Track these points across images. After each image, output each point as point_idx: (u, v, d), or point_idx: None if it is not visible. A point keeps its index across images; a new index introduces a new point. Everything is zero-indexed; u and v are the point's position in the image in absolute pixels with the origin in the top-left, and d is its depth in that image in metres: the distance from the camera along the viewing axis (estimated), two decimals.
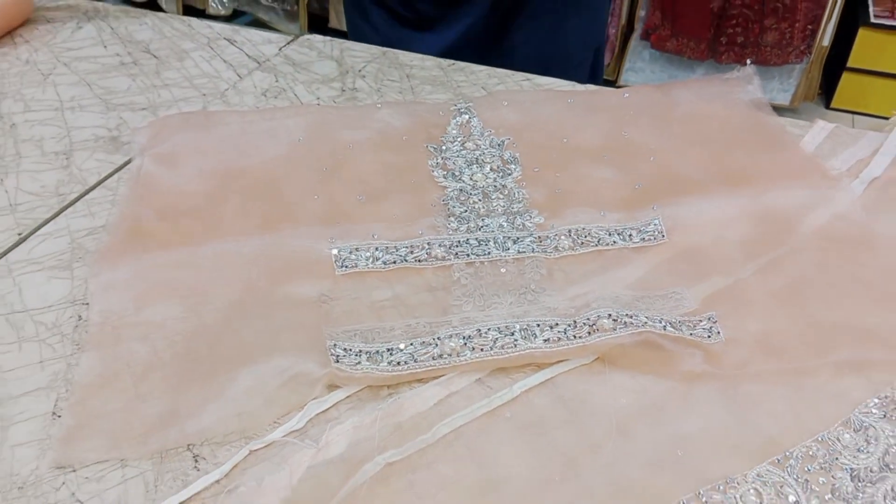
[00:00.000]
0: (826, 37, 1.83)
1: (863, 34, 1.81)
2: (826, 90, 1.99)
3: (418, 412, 0.45)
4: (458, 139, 0.68)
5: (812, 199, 0.60)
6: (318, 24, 2.17)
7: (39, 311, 0.53)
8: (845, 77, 1.89)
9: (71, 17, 0.96)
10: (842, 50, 1.88)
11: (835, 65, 1.92)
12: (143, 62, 0.86)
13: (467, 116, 0.70)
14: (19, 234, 0.60)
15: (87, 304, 0.53)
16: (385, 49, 0.86)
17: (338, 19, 2.10)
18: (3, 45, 0.89)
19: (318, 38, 0.90)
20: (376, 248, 0.56)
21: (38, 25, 0.94)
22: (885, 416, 0.45)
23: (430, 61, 0.84)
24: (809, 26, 1.80)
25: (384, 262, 0.56)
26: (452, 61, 0.83)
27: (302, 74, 0.82)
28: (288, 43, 0.89)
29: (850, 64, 1.87)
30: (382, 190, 0.63)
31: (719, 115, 0.70)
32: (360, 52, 0.86)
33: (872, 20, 1.80)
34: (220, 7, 2.17)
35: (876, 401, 0.46)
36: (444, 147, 0.67)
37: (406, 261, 0.56)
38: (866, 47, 1.83)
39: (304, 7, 2.04)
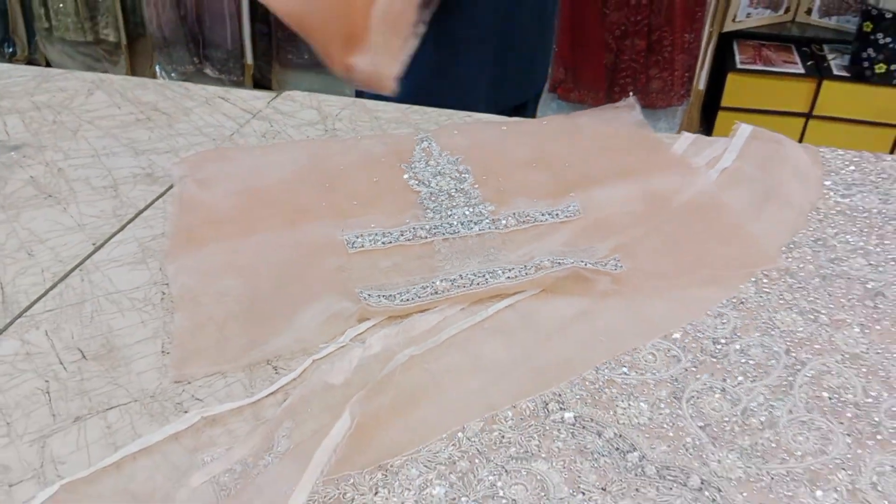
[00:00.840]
0: (701, 82, 2.18)
1: (731, 78, 2.17)
2: (706, 127, 2.34)
3: (426, 328, 0.66)
4: (423, 159, 0.90)
5: (681, 183, 0.85)
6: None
7: (130, 290, 0.71)
8: (720, 115, 2.24)
9: (81, 86, 1.14)
10: (716, 92, 2.24)
11: (711, 105, 2.27)
12: (155, 118, 1.05)
13: (427, 143, 0.93)
14: (94, 244, 0.78)
15: (167, 284, 0.71)
16: (354, 99, 1.09)
17: (279, 87, 2.33)
18: (28, 109, 1.06)
19: (297, 94, 1.12)
20: (376, 234, 0.77)
21: (54, 94, 1.11)
22: (732, 307, 0.69)
23: (391, 106, 1.07)
24: (686, 74, 2.15)
25: (383, 243, 0.76)
26: (411, 106, 1.06)
27: (290, 121, 1.03)
28: (273, 98, 1.10)
29: (723, 104, 2.22)
30: (372, 197, 0.84)
31: (613, 132, 0.95)
32: (335, 102, 1.08)
33: (738, 66, 2.17)
34: (167, 79, 2.35)
35: (724, 300, 0.70)
36: (413, 165, 0.89)
37: (399, 240, 0.77)
38: (735, 89, 2.19)
39: (250, 77, 2.26)
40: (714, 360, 0.63)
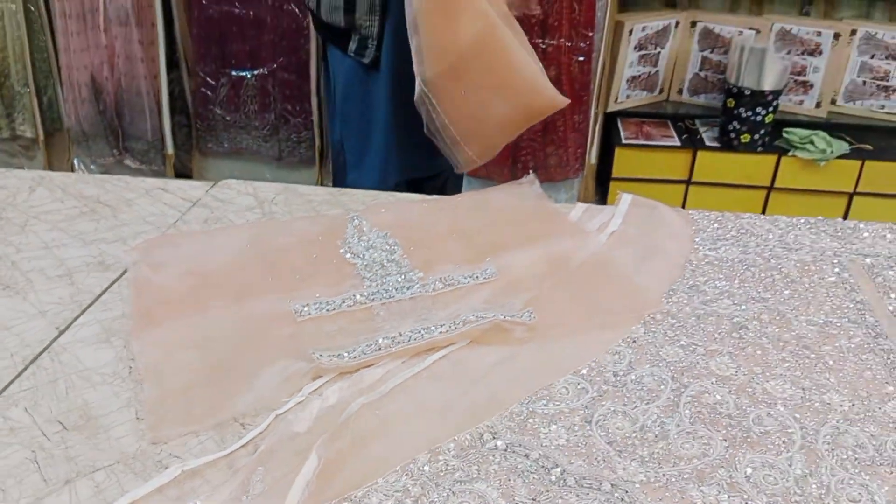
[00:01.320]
0: (592, 157, 2.42)
1: (619, 152, 2.42)
2: (600, 195, 2.58)
3: (373, 380, 0.76)
4: (356, 235, 1.02)
5: (578, 246, 1.00)
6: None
7: (99, 367, 0.78)
8: (612, 184, 2.47)
9: (22, 184, 1.20)
10: (608, 164, 2.48)
11: (604, 175, 2.51)
12: (100, 210, 1.12)
13: (358, 221, 1.05)
14: (58, 328, 0.85)
15: (132, 359, 0.79)
16: (287, 185, 1.20)
17: (200, 174, 2.41)
18: None
19: (233, 182, 1.22)
20: (321, 303, 0.88)
21: None
22: (627, 345, 0.82)
23: (322, 190, 1.18)
24: (579, 150, 2.38)
25: (328, 310, 0.87)
26: (340, 189, 1.18)
27: (229, 207, 1.13)
28: (211, 187, 1.20)
29: (614, 175, 2.46)
30: (313, 271, 0.94)
31: (518, 205, 1.10)
32: (269, 188, 1.19)
33: (624, 141, 2.42)
34: (85, 172, 2.38)
35: (620, 340, 0.83)
36: (347, 241, 1.00)
37: (342, 307, 0.87)
38: (623, 161, 2.44)
39: (171, 167, 2.33)
40: (615, 389, 0.76)
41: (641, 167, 2.45)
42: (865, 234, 1.08)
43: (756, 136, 2.31)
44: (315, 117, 2.29)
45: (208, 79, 2.28)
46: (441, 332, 0.81)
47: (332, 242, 1.00)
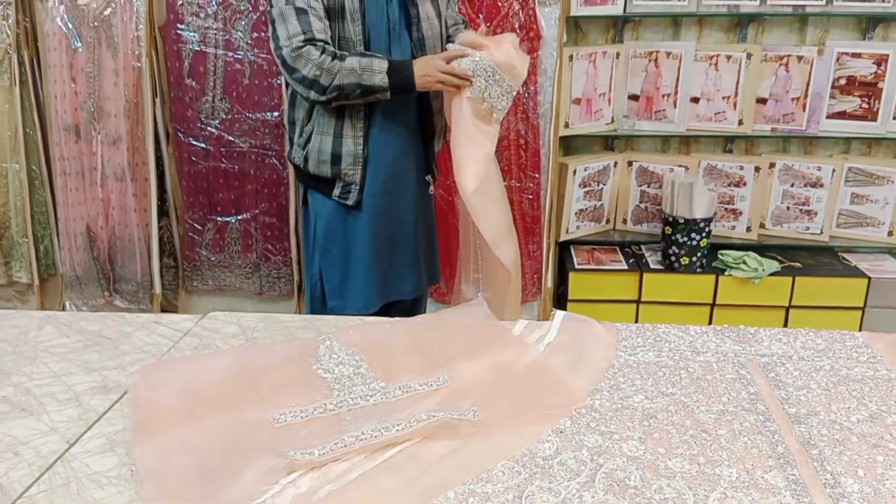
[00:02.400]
0: (548, 280, 2.64)
1: (573, 276, 2.64)
2: None
3: (340, 472, 0.90)
4: (328, 354, 1.18)
5: (518, 355, 1.17)
6: None
7: (105, 471, 0.92)
8: (569, 305, 2.67)
9: (31, 322, 1.36)
10: (565, 287, 2.69)
11: (562, 297, 2.71)
12: (101, 343, 1.28)
13: (329, 342, 1.21)
14: (68, 441, 0.98)
15: (134, 464, 0.93)
16: (267, 314, 1.37)
17: (185, 311, 2.57)
18: None
19: (220, 314, 1.39)
20: (296, 411, 1.03)
21: (8, 330, 1.33)
22: (555, 434, 0.98)
23: (299, 318, 1.36)
24: (535, 275, 2.60)
25: (302, 417, 1.02)
26: (315, 316, 1.35)
27: (216, 335, 1.30)
28: (200, 319, 1.37)
29: (570, 297, 2.67)
30: (290, 385, 1.10)
31: (469, 323, 1.28)
32: (251, 318, 1.36)
33: (577, 266, 2.65)
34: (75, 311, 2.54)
35: (550, 431, 0.99)
36: (320, 359, 1.17)
37: (314, 414, 1.02)
38: (578, 284, 2.65)
39: (158, 304, 2.49)
40: (543, 470, 0.91)
41: (595, 289, 2.65)
42: (763, 338, 1.27)
43: (694, 259, 2.55)
44: (293, 255, 2.50)
45: (196, 224, 2.50)
46: (398, 430, 0.97)
47: (306, 361, 1.16)
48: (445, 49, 1.78)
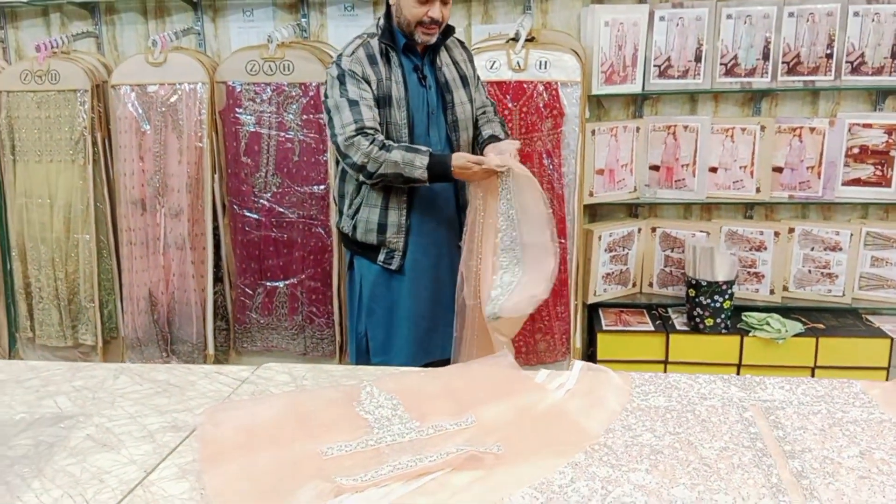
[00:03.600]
0: (577, 341, 2.74)
1: (601, 337, 2.75)
2: None
3: (379, 496, 1.04)
4: (369, 398, 1.33)
5: (539, 399, 1.30)
6: None
7: (179, 494, 1.06)
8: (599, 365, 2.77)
9: (108, 373, 1.53)
10: (594, 347, 2.80)
11: (591, 358, 2.81)
12: (170, 390, 1.45)
13: (370, 388, 1.36)
14: (145, 471, 1.14)
15: (203, 489, 1.07)
16: (314, 365, 1.53)
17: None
18: (70, 391, 1.44)
19: (273, 365, 1.55)
20: (342, 445, 1.17)
21: (88, 380, 1.50)
22: (570, 467, 1.10)
23: (343, 367, 1.51)
24: (564, 336, 2.72)
25: (347, 451, 1.16)
26: (360, 367, 1.51)
27: (270, 383, 1.45)
28: (255, 369, 1.53)
29: (599, 357, 2.77)
30: (335, 425, 1.24)
31: (495, 372, 1.42)
32: (301, 368, 1.52)
33: (604, 328, 2.76)
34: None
35: (566, 463, 1.11)
36: (362, 402, 1.31)
37: (357, 448, 1.16)
38: (606, 345, 2.75)
39: (211, 364, 2.68)
40: (557, 496, 1.03)
41: (623, 350, 2.76)
42: (767, 386, 1.38)
43: (718, 320, 2.64)
44: (336, 317, 2.67)
45: (247, 289, 2.70)
46: (431, 461, 1.10)
47: (349, 404, 1.31)
48: (479, 132, 2.02)
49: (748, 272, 2.84)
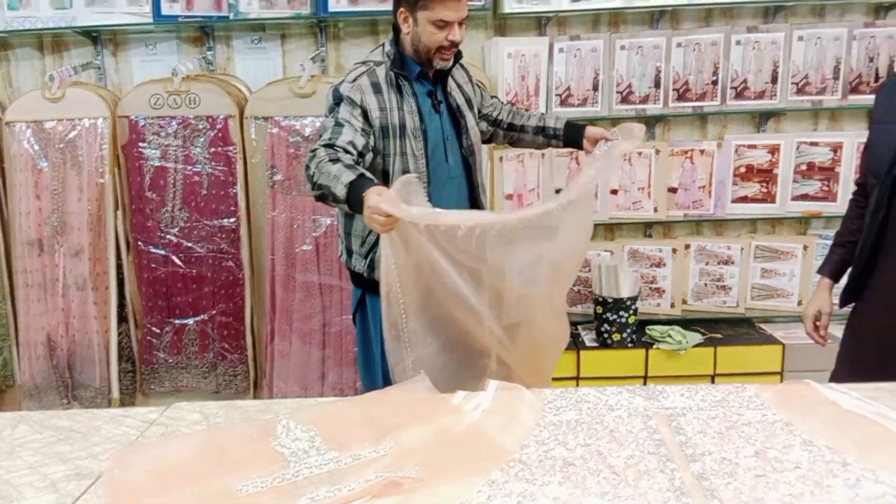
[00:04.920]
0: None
1: None
2: None
3: None
4: (285, 432, 1.31)
5: (456, 420, 1.32)
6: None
7: None
8: None
9: (5, 422, 1.45)
10: None
11: None
12: (72, 437, 1.38)
13: (286, 421, 1.35)
14: None
15: None
16: (227, 402, 1.50)
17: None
18: None
19: (183, 404, 1.51)
20: (257, 482, 1.15)
21: None
22: (487, 485, 1.13)
23: (258, 402, 1.49)
24: None
25: (262, 486, 1.14)
26: (275, 400, 1.49)
27: (180, 423, 1.41)
28: (165, 409, 1.48)
29: None
30: (251, 460, 1.22)
31: (412, 396, 1.43)
32: (212, 405, 1.48)
33: None
34: None
35: (482, 481, 1.14)
36: (278, 437, 1.30)
37: (273, 484, 1.15)
38: None
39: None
40: None
41: None
42: (669, 394, 1.45)
43: (625, 335, 2.76)
44: (249, 352, 2.62)
45: (154, 328, 2.61)
46: (350, 490, 1.10)
47: (265, 439, 1.29)
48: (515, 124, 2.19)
49: (650, 288, 2.98)
